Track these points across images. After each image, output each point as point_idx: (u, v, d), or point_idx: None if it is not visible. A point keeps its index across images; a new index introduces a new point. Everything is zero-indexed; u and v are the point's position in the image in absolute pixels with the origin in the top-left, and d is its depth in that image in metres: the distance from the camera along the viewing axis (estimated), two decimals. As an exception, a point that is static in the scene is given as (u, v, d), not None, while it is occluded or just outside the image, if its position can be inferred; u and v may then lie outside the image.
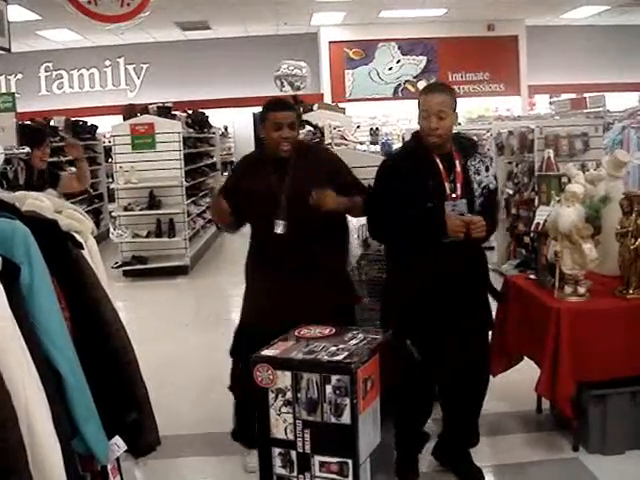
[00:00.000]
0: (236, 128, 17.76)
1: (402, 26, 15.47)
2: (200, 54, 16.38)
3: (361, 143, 15.84)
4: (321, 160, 3.89)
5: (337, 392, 2.37)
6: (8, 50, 9.01)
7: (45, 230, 2.50)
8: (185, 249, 10.26)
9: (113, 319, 2.68)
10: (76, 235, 2.75)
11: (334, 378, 2.37)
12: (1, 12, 8.71)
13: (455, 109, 3.45)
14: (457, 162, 3.51)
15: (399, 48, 16.16)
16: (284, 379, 2.43)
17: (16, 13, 11.36)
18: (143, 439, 2.70)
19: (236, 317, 8.22)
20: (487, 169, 3.59)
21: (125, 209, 9.97)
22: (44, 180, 4.59)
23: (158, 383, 5.10)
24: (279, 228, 3.70)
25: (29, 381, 2.05)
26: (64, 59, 16.42)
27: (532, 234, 5.14)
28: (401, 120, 15.78)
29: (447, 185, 3.46)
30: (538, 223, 4.43)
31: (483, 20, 15.34)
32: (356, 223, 5.21)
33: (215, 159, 14.61)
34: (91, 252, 2.91)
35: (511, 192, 8.28)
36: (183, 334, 7.01)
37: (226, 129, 17.64)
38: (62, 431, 2.15)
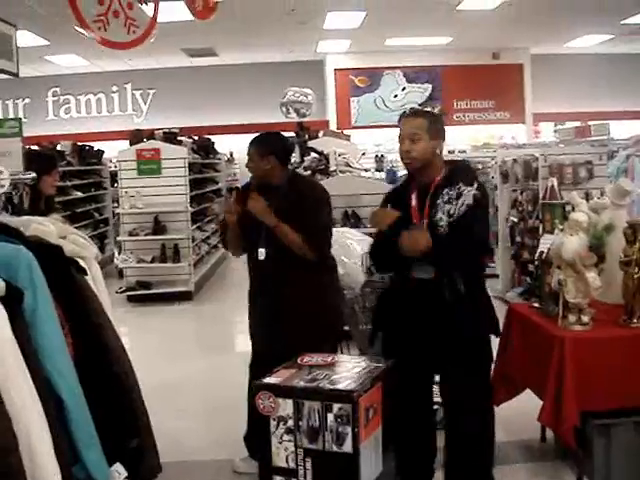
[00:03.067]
0: (241, 154, 17.76)
1: (407, 54, 15.56)
2: (206, 80, 16.49)
3: (366, 170, 15.91)
4: (305, 195, 4.07)
5: (339, 420, 2.36)
6: (16, 75, 9.09)
7: (49, 255, 2.52)
8: (190, 275, 10.26)
9: (115, 345, 2.69)
10: (80, 261, 2.77)
11: (336, 406, 2.36)
12: (10, 37, 8.82)
13: (436, 134, 3.36)
14: (431, 192, 3.40)
15: (404, 76, 16.25)
16: (286, 407, 2.43)
17: (25, 38, 11.46)
18: (144, 466, 2.70)
19: (240, 343, 8.29)
20: (459, 196, 3.33)
21: (130, 234, 9.98)
22: (51, 205, 4.61)
23: (161, 409, 5.07)
24: (261, 255, 3.95)
25: (30, 406, 2.06)
26: (71, 84, 16.53)
27: (536, 262, 5.14)
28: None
29: (417, 215, 3.44)
30: (542, 251, 4.43)
31: (488, 48, 15.43)
32: (360, 251, 5.23)
33: (220, 185, 14.65)
34: (95, 278, 2.93)
35: (516, 220, 8.28)
36: (186, 360, 6.99)
37: (231, 155, 17.70)
38: (63, 457, 2.15)
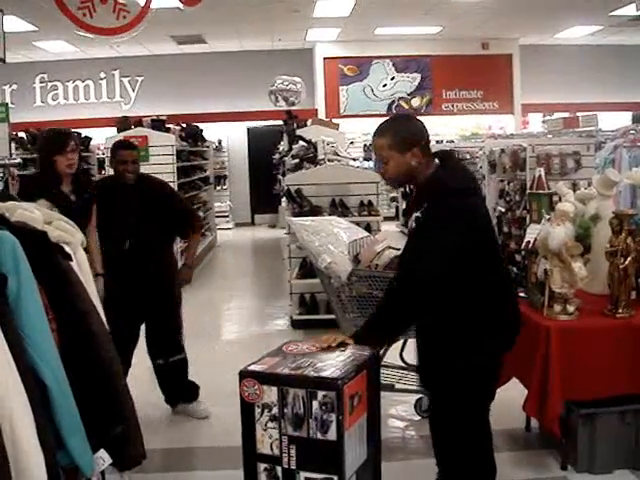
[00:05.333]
0: (230, 142, 17.77)
1: (397, 43, 15.54)
2: (195, 68, 16.42)
3: (354, 159, 15.90)
4: (156, 190, 5.11)
5: (323, 408, 2.35)
6: (2, 60, 9.02)
7: (34, 241, 2.50)
8: (177, 262, 10.22)
9: (100, 331, 2.68)
10: (65, 247, 2.75)
11: (320, 394, 2.36)
12: (-5, 23, 8.71)
13: (406, 146, 3.03)
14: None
15: (393, 65, 16.24)
16: (270, 394, 2.42)
17: (12, 24, 11.36)
18: (128, 452, 2.70)
19: (227, 330, 8.28)
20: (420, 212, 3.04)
21: (117, 221, 9.91)
22: (84, 185, 4.51)
23: (151, 397, 5.11)
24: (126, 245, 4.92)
25: (13, 392, 2.05)
26: (59, 70, 16.41)
27: (522, 252, 5.15)
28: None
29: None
30: (528, 241, 4.44)
31: (477, 38, 15.43)
32: (346, 239, 5.22)
33: (208, 173, 14.59)
34: (80, 264, 2.91)
35: (503, 210, 8.30)
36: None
37: (220, 143, 17.65)
38: (46, 443, 2.15)
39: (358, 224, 6.86)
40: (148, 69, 16.59)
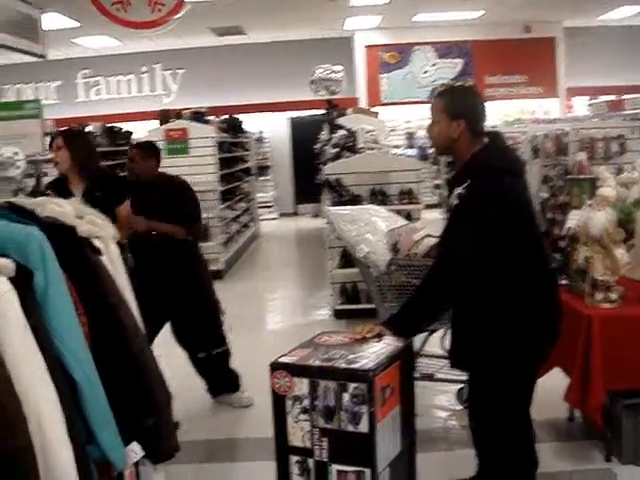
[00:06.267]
0: (272, 133, 17.79)
1: (438, 29, 15.35)
2: (235, 59, 16.42)
3: (397, 147, 15.79)
4: (175, 188, 5.20)
5: (354, 400, 2.32)
6: (43, 56, 9.15)
7: (63, 236, 2.50)
8: (219, 253, 10.28)
9: (131, 324, 2.68)
10: (95, 241, 2.75)
11: (351, 386, 2.33)
12: (36, 19, 8.86)
13: (458, 113, 3.02)
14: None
15: (435, 51, 16.04)
16: (301, 386, 2.40)
17: (54, 20, 11.50)
18: (162, 445, 2.69)
19: (270, 321, 8.29)
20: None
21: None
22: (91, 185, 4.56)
23: (190, 387, 5.14)
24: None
25: (41, 386, 2.05)
26: (101, 66, 16.57)
27: (565, 239, 5.04)
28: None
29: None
30: (570, 227, 4.35)
31: (520, 22, 15.14)
32: (385, 228, 5.17)
33: (250, 164, 14.64)
34: (112, 258, 2.91)
35: (546, 196, 8.15)
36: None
37: (261, 134, 17.68)
38: (76, 437, 2.14)
39: (398, 212, 6.82)
40: (189, 62, 16.64)
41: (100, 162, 5.67)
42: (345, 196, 7.40)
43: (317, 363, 2.42)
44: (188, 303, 5.07)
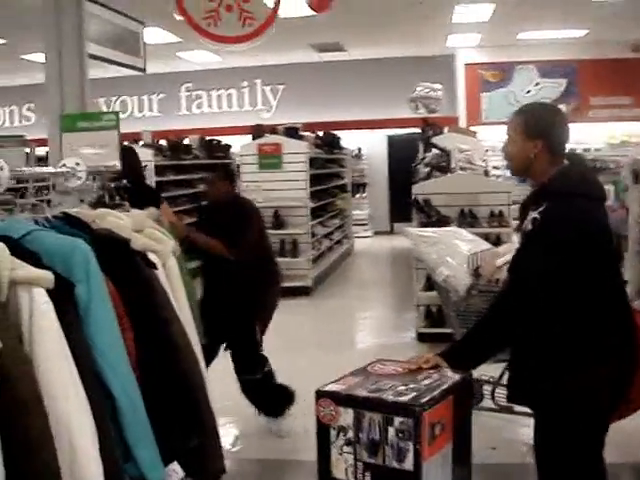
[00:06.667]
0: (370, 150, 17.74)
1: (540, 47, 14.90)
2: (335, 76, 16.46)
3: (496, 168, 15.45)
4: (230, 208, 5.12)
5: (400, 435, 2.18)
6: (143, 70, 9.36)
7: (115, 248, 2.48)
8: (308, 270, 10.26)
9: (182, 342, 2.63)
10: (151, 255, 2.72)
11: (397, 420, 2.19)
12: (137, 34, 9.09)
13: (535, 134, 2.85)
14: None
15: (538, 70, 15.61)
16: (346, 417, 2.27)
17: (157, 36, 11.81)
18: (206, 466, 2.63)
19: (352, 341, 8.18)
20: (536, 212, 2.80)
21: (250, 227, 10.07)
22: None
23: (247, 407, 5.10)
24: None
25: (74, 402, 2.01)
26: (203, 80, 16.92)
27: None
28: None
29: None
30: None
31: (627, 41, 14.53)
32: (467, 252, 4.99)
33: (346, 180, 14.61)
34: (170, 273, 2.88)
35: (647, 223, 7.74)
36: (301, 355, 6.96)
37: (360, 151, 17.65)
38: (108, 453, 2.10)
39: (487, 235, 6.63)
40: (289, 77, 16.81)
41: (143, 177, 5.78)
42: (433, 216, 7.24)
43: (363, 393, 2.29)
44: (234, 326, 5.10)
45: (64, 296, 2.08)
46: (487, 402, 5.25)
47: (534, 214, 2.77)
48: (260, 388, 5.12)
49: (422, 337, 7.27)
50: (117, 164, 3.52)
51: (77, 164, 2.83)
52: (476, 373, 5.26)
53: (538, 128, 2.85)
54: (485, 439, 4.82)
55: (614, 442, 4.43)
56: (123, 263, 2.47)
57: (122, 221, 2.75)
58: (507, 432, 4.88)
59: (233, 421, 5.38)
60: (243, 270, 5.02)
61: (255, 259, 5.11)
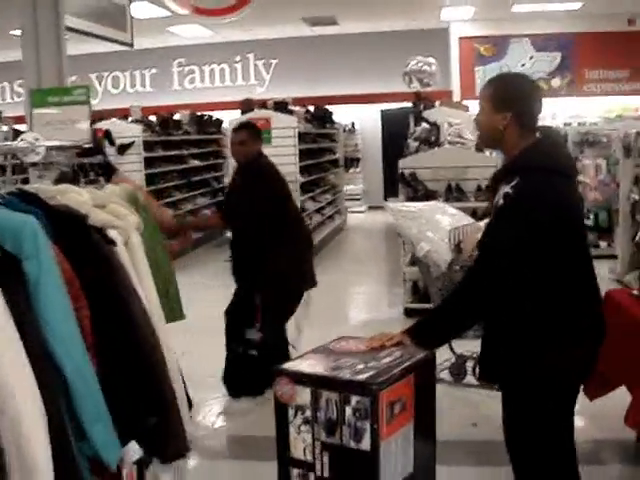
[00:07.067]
0: (363, 124, 17.61)
1: (535, 21, 14.74)
2: (328, 50, 16.30)
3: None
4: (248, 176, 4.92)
5: (357, 414, 2.14)
6: (131, 45, 9.25)
7: (72, 225, 2.43)
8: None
9: (142, 318, 2.58)
10: (112, 231, 2.67)
11: (354, 399, 2.14)
12: (123, 8, 8.97)
13: (503, 105, 2.77)
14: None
15: (532, 44, 15.45)
16: (304, 395, 2.23)
17: (146, 10, 11.65)
18: (169, 445, 2.59)
19: (347, 315, 8.13)
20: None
21: (239, 204, 10.01)
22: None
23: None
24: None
25: (19, 378, 1.96)
26: (196, 54, 16.76)
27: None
28: (533, 119, 15.14)
29: None
30: (644, 233, 4.03)
31: (623, 13, 14.34)
32: (448, 227, 4.95)
33: (338, 155, 14.52)
34: (133, 249, 2.83)
35: (637, 197, 7.70)
36: (290, 329, 6.94)
37: (353, 125, 17.53)
38: (58, 431, 2.05)
39: (474, 210, 6.56)
40: (282, 52, 16.64)
41: None
42: (420, 191, 7.18)
43: (321, 371, 2.24)
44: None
45: (10, 273, 2.03)
46: (469, 378, 5.24)
47: (506, 188, 2.70)
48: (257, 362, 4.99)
49: (409, 312, 7.22)
50: (88, 138, 3.46)
51: (36, 139, 2.77)
52: (459, 349, 5.31)
53: (507, 99, 2.78)
54: (466, 415, 4.81)
55: (594, 419, 4.45)
56: (80, 239, 2.41)
57: (82, 197, 2.70)
58: (488, 408, 4.85)
59: (216, 397, 5.35)
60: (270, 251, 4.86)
61: (265, 229, 4.85)
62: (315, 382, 2.22)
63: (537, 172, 2.71)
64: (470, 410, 4.91)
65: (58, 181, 2.97)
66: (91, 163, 3.87)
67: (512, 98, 2.79)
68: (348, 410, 2.16)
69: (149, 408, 2.47)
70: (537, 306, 2.69)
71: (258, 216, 4.81)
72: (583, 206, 2.98)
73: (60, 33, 5.55)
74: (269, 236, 4.85)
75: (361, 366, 2.27)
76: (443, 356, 5.35)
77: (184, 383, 4.72)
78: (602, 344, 2.80)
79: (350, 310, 8.40)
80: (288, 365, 2.33)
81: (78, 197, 2.68)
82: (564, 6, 13.85)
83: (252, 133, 5.10)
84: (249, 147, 4.99)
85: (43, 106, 3.89)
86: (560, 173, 2.77)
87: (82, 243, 2.42)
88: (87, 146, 3.36)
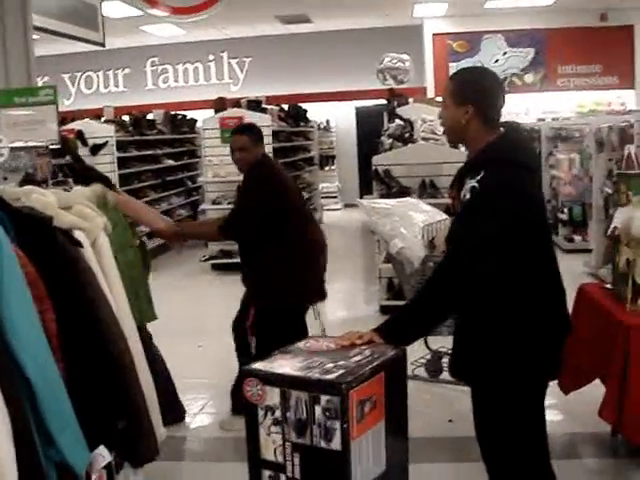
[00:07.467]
0: (338, 122, 17.60)
1: (508, 17, 14.81)
2: (302, 48, 16.31)
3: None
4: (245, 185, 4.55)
5: (327, 414, 2.11)
6: (103, 45, 9.17)
7: (37, 227, 2.39)
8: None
9: (110, 320, 2.54)
10: (77, 233, 2.63)
11: (323, 399, 2.12)
12: (95, 7, 8.88)
13: (465, 99, 2.73)
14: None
15: (505, 40, 15.53)
16: (273, 396, 2.20)
17: (118, 9, 11.56)
18: (138, 449, 2.56)
19: (329, 311, 8.09)
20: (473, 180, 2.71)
21: (213, 202, 9.97)
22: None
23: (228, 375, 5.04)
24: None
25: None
26: (169, 54, 16.70)
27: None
28: (508, 115, 15.18)
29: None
30: (615, 227, 4.05)
31: (595, 9, 14.46)
32: (421, 223, 4.94)
33: (313, 153, 14.50)
34: (100, 250, 2.79)
35: (610, 191, 7.74)
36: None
37: (328, 123, 17.51)
38: (27, 439, 2.01)
39: (448, 206, 6.56)
40: (256, 50, 16.60)
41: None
42: (394, 187, 7.17)
43: (290, 371, 2.22)
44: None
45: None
46: (445, 375, 5.23)
47: (472, 182, 2.68)
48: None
49: (385, 310, 7.21)
50: (55, 139, 3.42)
51: (-1, 140, 2.73)
52: (434, 346, 5.31)
53: (468, 93, 2.76)
54: (442, 412, 4.81)
55: (569, 413, 4.47)
56: (44, 241, 2.37)
57: (47, 198, 2.66)
58: (464, 405, 4.84)
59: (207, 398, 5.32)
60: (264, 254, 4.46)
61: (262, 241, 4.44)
62: (284, 382, 2.19)
63: (502, 165, 2.69)
64: (446, 407, 4.91)
65: (23, 182, 2.91)
66: (59, 164, 3.83)
67: (473, 91, 2.77)
68: (318, 410, 2.13)
69: (118, 411, 2.44)
70: (502, 300, 2.68)
71: (252, 227, 4.42)
72: (545, 202, 2.97)
73: (28, 33, 5.48)
74: (265, 244, 4.45)
75: (331, 365, 2.24)
76: (419, 353, 5.35)
77: (174, 387, 4.71)
78: (567, 338, 2.80)
79: (326, 307, 8.36)
80: (257, 365, 2.29)
81: (43, 198, 2.64)
82: (537, 2, 13.92)
83: (252, 136, 4.61)
84: (250, 153, 4.51)
85: (9, 106, 3.81)
86: (525, 167, 2.77)
87: (47, 245, 2.38)
88: (54, 147, 3.29)
